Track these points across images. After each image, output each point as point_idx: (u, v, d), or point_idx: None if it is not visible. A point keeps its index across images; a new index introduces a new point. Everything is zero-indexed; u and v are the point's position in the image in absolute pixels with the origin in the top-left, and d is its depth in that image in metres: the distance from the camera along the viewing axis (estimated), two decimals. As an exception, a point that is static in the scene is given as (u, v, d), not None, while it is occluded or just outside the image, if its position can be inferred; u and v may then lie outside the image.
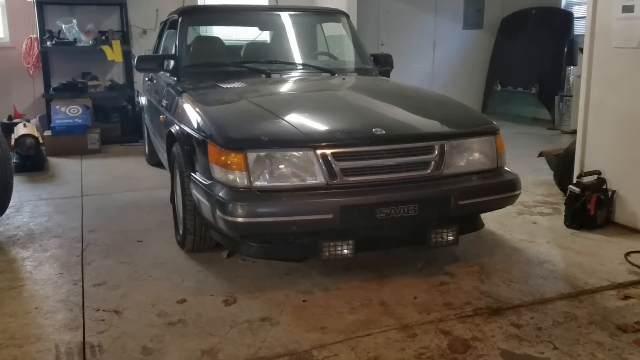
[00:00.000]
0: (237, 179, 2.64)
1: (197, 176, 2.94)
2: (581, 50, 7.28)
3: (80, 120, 6.27)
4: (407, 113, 3.09)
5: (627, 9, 3.58)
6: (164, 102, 3.85)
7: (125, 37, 6.88)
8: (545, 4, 8.55)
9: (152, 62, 4.03)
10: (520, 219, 3.96)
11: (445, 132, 2.90)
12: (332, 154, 2.67)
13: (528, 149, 5.94)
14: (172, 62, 4.02)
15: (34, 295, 2.84)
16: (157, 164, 5.60)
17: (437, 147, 2.83)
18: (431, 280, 2.97)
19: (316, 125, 2.87)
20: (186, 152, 3.10)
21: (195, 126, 3.00)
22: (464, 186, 2.82)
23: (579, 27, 8.07)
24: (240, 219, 2.56)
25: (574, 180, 4.05)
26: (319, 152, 2.66)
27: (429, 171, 2.81)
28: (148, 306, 2.71)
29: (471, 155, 2.93)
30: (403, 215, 2.69)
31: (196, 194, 2.92)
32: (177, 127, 3.30)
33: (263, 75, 3.81)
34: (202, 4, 7.52)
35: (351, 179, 2.69)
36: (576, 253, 3.34)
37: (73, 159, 6.09)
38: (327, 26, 4.78)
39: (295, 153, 2.66)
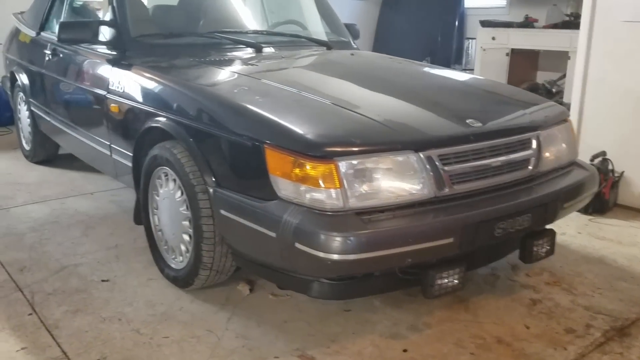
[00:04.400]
0: (326, 199, 1.88)
1: (233, 193, 2.10)
2: (482, 23, 7.34)
3: None
4: (480, 101, 2.53)
5: (639, -21, 3.36)
6: (114, 86, 2.82)
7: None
8: (430, -24, 8.39)
9: (85, 31, 2.94)
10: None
11: (537, 120, 2.40)
12: (439, 155, 2.02)
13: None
14: (108, 32, 2.99)
15: (4, 398, 1.82)
16: (44, 161, 4.40)
17: (533, 139, 2.32)
18: (518, 298, 2.48)
19: (402, 119, 2.18)
20: (202, 159, 2.22)
21: (229, 122, 2.13)
22: (567, 186, 2.35)
23: (471, 0, 8.08)
24: (337, 256, 1.81)
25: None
26: (422, 154, 2.00)
27: (530, 168, 2.29)
28: (198, 389, 1.87)
29: (559, 146, 2.47)
30: (517, 228, 2.15)
31: (234, 217, 2.08)
32: (173, 122, 2.36)
33: (252, 50, 2.96)
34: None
35: (459, 187, 2.07)
36: (618, 244, 3.09)
37: None
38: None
39: (398, 157, 1.96)
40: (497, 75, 6.86)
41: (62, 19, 3.72)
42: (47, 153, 4.39)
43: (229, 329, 2.21)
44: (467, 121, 2.19)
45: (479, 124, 2.19)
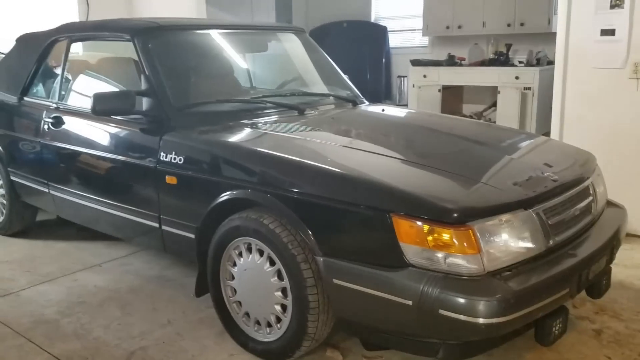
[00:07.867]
0: (466, 263, 1.98)
1: (349, 262, 2.14)
2: (412, 62, 7.76)
3: None
4: (538, 152, 2.76)
5: (607, 32, 3.82)
6: (168, 157, 2.70)
7: None
8: (353, 17, 8.74)
9: (122, 102, 2.82)
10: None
11: (586, 167, 2.67)
12: (544, 210, 2.21)
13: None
14: (144, 102, 2.90)
15: None
16: (19, 233, 4.08)
17: (589, 185, 2.59)
18: (582, 330, 2.72)
19: (499, 178, 2.34)
20: (304, 229, 2.24)
21: (342, 193, 2.16)
22: (620, 226, 2.63)
23: (393, 40, 8.55)
24: (488, 320, 1.92)
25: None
26: (532, 211, 2.17)
27: (592, 213, 2.54)
28: None
29: (601, 189, 2.75)
30: (599, 270, 2.39)
31: (353, 287, 2.13)
32: (262, 193, 2.35)
33: (296, 112, 3.02)
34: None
35: (558, 238, 2.26)
36: (614, 265, 3.45)
37: None
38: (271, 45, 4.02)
39: (517, 216, 2.12)
40: (432, 109, 7.25)
41: (94, 91, 3.40)
42: (24, 224, 4.08)
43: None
44: (546, 174, 2.40)
45: (557, 177, 2.40)
